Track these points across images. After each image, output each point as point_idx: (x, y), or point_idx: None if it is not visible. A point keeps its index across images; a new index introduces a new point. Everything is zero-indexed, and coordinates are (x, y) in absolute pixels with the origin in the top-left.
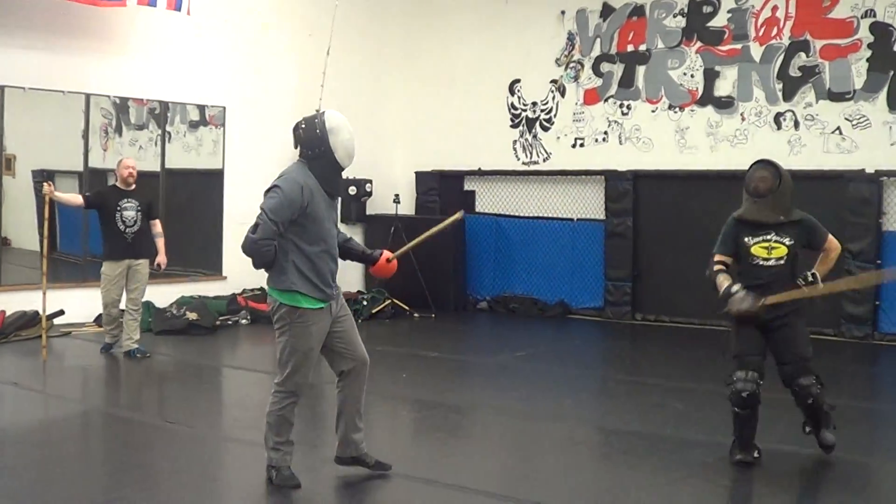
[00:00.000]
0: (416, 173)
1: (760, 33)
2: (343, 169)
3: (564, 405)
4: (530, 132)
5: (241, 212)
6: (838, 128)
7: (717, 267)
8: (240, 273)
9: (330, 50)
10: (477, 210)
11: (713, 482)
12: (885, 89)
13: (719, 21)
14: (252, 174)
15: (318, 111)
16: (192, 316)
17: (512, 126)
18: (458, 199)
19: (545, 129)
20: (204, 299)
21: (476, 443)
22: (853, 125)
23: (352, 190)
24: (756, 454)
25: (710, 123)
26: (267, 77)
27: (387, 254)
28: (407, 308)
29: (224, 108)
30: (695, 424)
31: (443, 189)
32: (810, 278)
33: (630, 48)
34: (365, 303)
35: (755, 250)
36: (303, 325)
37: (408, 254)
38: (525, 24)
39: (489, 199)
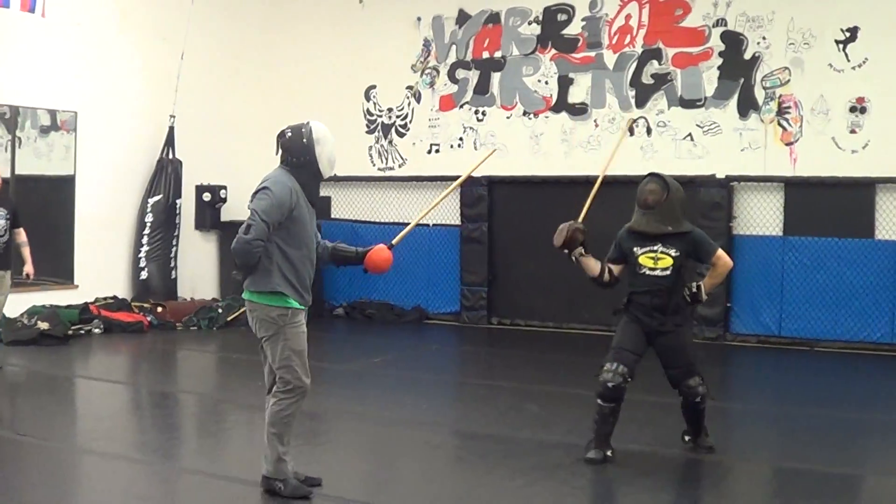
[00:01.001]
0: None
1: (614, 41)
2: (323, 179)
3: (422, 410)
4: (386, 138)
5: (93, 218)
6: (690, 134)
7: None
8: (92, 281)
9: (184, 55)
10: (333, 216)
11: (570, 483)
12: (736, 97)
13: (573, 29)
14: (104, 180)
15: (302, 122)
16: (43, 326)
17: (368, 132)
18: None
19: (401, 135)
20: (56, 308)
21: (334, 449)
22: (704, 132)
23: (206, 196)
24: (609, 452)
25: (564, 130)
26: (120, 82)
27: (380, 245)
28: None
29: (76, 112)
30: (551, 426)
31: None
32: (694, 289)
33: (485, 55)
34: (220, 310)
35: (642, 260)
36: (295, 325)
37: None
38: (381, 31)
39: (345, 206)
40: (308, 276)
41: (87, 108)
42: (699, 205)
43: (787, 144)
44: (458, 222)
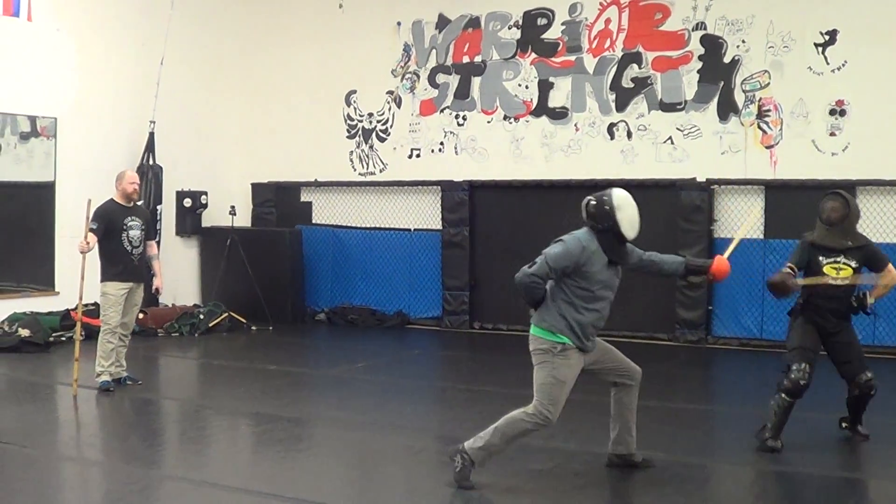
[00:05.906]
0: (253, 185)
1: (594, 45)
2: (628, 241)
3: (404, 415)
4: (367, 143)
5: (73, 224)
6: (670, 137)
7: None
8: (73, 288)
9: (164, 60)
10: (314, 221)
11: (552, 487)
12: (715, 100)
13: (553, 33)
14: (84, 186)
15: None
16: (24, 333)
17: (348, 137)
18: (294, 211)
19: (381, 139)
20: (36, 315)
21: (316, 455)
22: (684, 135)
23: (187, 202)
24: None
25: (545, 134)
26: (100, 88)
27: (720, 258)
28: (244, 321)
29: (56, 119)
30: (534, 431)
31: (279, 200)
32: (861, 296)
33: (466, 59)
34: (202, 316)
35: (826, 269)
36: (564, 358)
37: (244, 266)
38: (361, 35)
39: (326, 211)
40: (592, 326)
41: (67, 114)
42: (680, 208)
43: (767, 147)
44: (439, 227)
